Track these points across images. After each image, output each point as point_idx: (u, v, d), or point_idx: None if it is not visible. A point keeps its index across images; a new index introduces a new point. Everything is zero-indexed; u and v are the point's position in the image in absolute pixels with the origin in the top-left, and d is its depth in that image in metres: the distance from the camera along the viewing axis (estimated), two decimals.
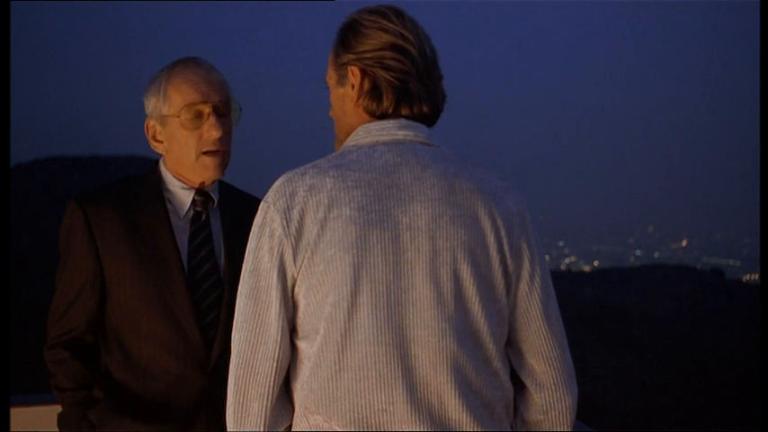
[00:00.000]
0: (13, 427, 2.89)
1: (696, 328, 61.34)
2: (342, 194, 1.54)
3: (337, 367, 1.52)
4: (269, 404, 1.56)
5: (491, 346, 1.57)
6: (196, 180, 2.15)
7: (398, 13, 1.66)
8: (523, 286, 1.62)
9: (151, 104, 2.13)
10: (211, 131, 2.07)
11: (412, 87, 1.64)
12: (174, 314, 2.07)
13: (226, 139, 2.12)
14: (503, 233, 1.57)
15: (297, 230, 1.54)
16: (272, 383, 1.55)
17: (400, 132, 1.62)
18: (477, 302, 1.55)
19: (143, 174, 2.21)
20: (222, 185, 2.24)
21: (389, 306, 1.51)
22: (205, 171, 2.11)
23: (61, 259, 2.15)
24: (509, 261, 1.59)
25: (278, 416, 1.59)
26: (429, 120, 1.69)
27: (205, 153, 2.09)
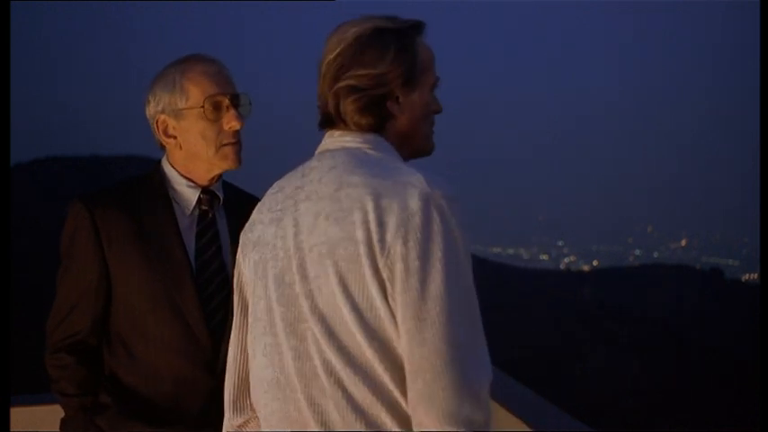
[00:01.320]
0: (13, 427, 2.89)
1: (695, 328, 61.39)
2: (266, 199, 1.69)
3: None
4: None
5: (350, 341, 1.48)
6: (209, 174, 2.14)
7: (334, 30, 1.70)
8: (397, 293, 1.44)
9: (163, 100, 2.09)
10: (232, 122, 2.07)
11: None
12: (182, 315, 2.05)
13: (240, 131, 2.12)
14: (372, 227, 1.46)
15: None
16: None
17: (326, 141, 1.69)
18: (338, 298, 1.49)
19: (146, 174, 2.19)
20: (225, 184, 2.24)
21: (277, 299, 1.59)
22: (225, 162, 2.10)
23: (63, 261, 2.12)
24: (378, 258, 1.45)
25: None
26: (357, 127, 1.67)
27: (225, 145, 2.09)
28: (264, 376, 1.60)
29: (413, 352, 1.41)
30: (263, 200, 1.70)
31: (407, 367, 1.43)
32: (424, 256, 1.43)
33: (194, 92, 2.06)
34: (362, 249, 1.45)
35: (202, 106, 2.05)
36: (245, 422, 1.73)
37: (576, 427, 2.88)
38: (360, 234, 1.46)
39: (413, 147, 1.69)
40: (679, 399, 48.58)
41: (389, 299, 1.45)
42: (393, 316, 1.45)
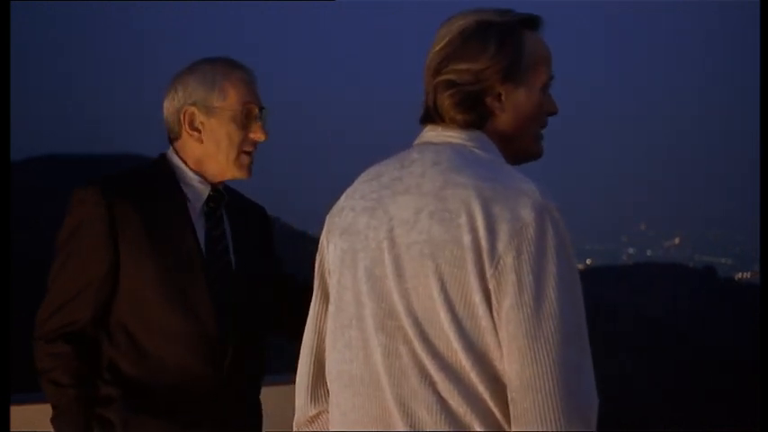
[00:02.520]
0: (13, 426, 2.90)
1: (689, 326, 61.53)
2: (358, 185, 1.61)
3: None
4: None
5: (445, 347, 1.43)
6: (220, 176, 2.16)
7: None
8: (507, 307, 1.38)
9: (197, 94, 2.11)
10: (258, 133, 2.12)
11: None
12: (193, 309, 2.06)
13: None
14: (481, 234, 1.39)
15: None
16: None
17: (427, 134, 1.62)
18: (437, 301, 1.43)
19: (153, 164, 2.20)
20: (225, 187, 2.25)
21: (367, 292, 1.52)
22: (239, 170, 2.14)
23: (66, 248, 2.08)
24: (486, 267, 1.39)
25: None
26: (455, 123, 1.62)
27: (245, 152, 2.13)
28: (347, 370, 1.54)
29: (524, 370, 1.36)
30: (354, 186, 1.63)
31: (515, 383, 1.37)
32: (539, 272, 1.37)
33: (232, 94, 2.10)
34: (469, 255, 1.39)
35: (239, 110, 2.10)
36: (318, 413, 1.67)
37: None
38: (467, 239, 1.39)
39: (516, 148, 1.61)
40: (673, 398, 48.68)
41: (493, 311, 1.39)
42: (495, 328, 1.39)
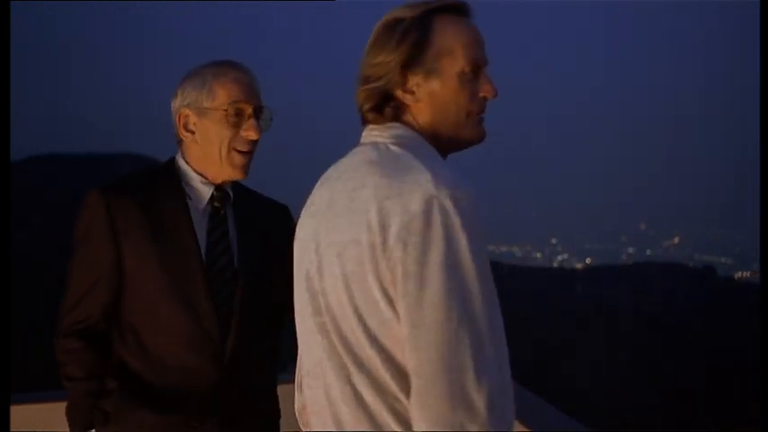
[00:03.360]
0: (13, 426, 2.91)
1: (688, 326, 61.50)
2: (312, 193, 1.68)
3: None
4: None
5: (356, 342, 1.49)
6: (219, 176, 2.20)
7: None
8: (398, 299, 1.41)
9: (190, 96, 2.16)
10: (249, 131, 2.14)
11: None
12: (192, 307, 2.10)
13: (256, 142, 2.18)
14: (375, 230, 1.43)
15: None
16: None
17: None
18: (344, 299, 1.49)
19: (161, 167, 2.25)
20: (234, 184, 2.28)
21: (304, 292, 1.61)
22: (232, 169, 2.17)
23: (78, 249, 2.16)
24: (380, 262, 1.43)
25: None
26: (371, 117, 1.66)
27: (237, 151, 2.15)
28: (304, 363, 1.64)
29: (410, 357, 1.40)
30: (312, 193, 1.70)
31: (409, 371, 1.42)
32: (423, 261, 1.39)
33: (221, 94, 2.13)
34: (366, 253, 1.43)
35: (225, 109, 2.12)
36: (303, 405, 1.73)
37: (570, 426, 2.90)
38: (364, 237, 1.44)
39: (447, 136, 1.62)
40: (672, 395, 48.71)
41: (394, 303, 1.42)
42: (398, 320, 1.42)
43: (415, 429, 1.39)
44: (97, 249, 2.12)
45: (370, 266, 1.44)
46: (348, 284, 1.47)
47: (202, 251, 2.13)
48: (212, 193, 2.19)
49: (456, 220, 1.40)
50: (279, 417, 2.31)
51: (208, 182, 2.19)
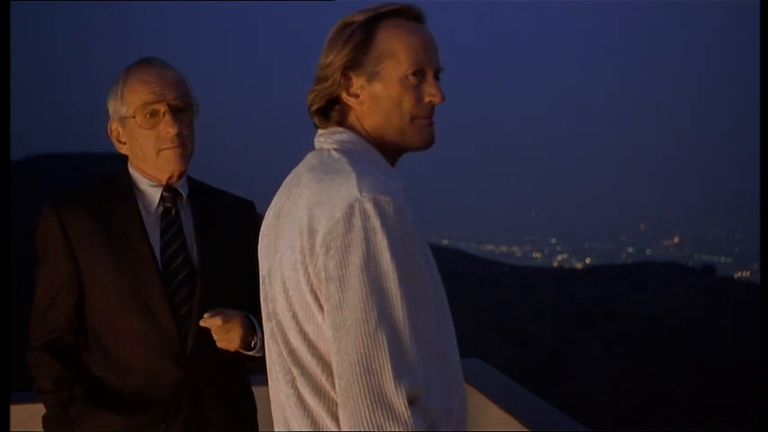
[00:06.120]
0: (13, 426, 2.91)
1: (688, 326, 61.43)
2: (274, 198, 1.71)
3: None
4: None
5: (297, 346, 1.53)
6: (162, 177, 2.20)
7: None
8: (323, 300, 1.47)
9: (111, 106, 2.18)
10: (168, 129, 2.13)
11: None
12: (149, 309, 2.12)
13: (183, 134, 2.16)
14: (305, 237, 1.47)
15: None
16: None
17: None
18: (283, 304, 1.55)
19: (114, 174, 2.26)
20: (190, 181, 2.30)
21: (262, 298, 1.67)
22: (168, 165, 2.17)
23: (39, 263, 2.19)
24: (309, 268, 1.48)
25: None
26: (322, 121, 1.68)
27: (165, 149, 2.15)
28: (267, 366, 1.68)
29: (333, 359, 1.44)
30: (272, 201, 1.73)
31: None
32: (344, 264, 1.41)
33: (131, 100, 2.13)
34: (299, 258, 1.48)
35: (135, 115, 2.12)
36: None
37: (570, 425, 2.91)
38: (297, 243, 1.49)
39: (391, 140, 1.63)
40: (671, 396, 48.68)
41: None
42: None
43: (342, 429, 1.43)
44: (55, 263, 2.14)
45: (302, 272, 1.48)
46: (287, 290, 1.52)
47: (157, 253, 2.14)
48: (162, 194, 2.20)
49: (377, 224, 1.42)
50: (254, 415, 2.31)
51: (156, 183, 2.20)
